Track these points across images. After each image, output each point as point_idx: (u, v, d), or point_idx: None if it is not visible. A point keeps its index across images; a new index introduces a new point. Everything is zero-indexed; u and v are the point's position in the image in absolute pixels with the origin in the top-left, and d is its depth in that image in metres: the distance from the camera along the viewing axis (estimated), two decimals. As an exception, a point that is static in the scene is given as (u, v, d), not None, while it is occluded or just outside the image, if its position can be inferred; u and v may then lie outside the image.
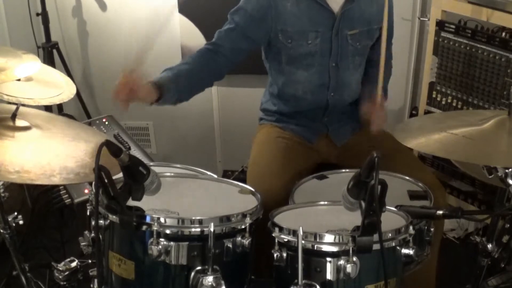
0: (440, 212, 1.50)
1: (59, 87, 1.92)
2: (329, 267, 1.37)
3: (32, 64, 1.72)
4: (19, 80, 1.76)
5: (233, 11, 2.03)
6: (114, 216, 1.38)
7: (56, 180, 1.46)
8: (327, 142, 2.17)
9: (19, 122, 1.63)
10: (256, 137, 2.23)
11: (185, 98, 1.95)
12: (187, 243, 1.38)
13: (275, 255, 1.42)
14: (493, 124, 1.61)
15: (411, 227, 1.45)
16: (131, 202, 1.36)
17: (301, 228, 1.36)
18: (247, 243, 1.43)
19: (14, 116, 1.62)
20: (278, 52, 2.07)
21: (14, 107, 1.65)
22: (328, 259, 1.37)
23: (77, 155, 1.56)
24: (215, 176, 1.77)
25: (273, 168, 1.99)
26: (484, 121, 1.63)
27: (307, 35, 2.00)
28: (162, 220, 1.37)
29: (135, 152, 2.65)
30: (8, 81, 1.65)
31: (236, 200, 1.62)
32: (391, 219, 1.48)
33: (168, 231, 1.37)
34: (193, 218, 1.39)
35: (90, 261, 1.72)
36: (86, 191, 2.42)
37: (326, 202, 1.65)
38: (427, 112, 2.65)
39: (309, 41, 2.00)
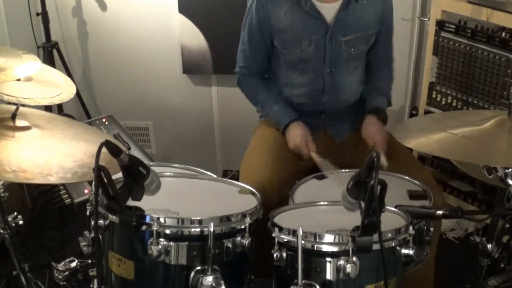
0: (440, 212, 1.50)
1: (59, 87, 1.91)
2: (329, 267, 1.37)
3: (32, 64, 1.71)
4: (19, 80, 1.75)
5: (242, 35, 2.14)
6: (114, 216, 1.39)
7: (52, 179, 1.45)
8: (326, 138, 2.18)
9: (19, 122, 1.62)
10: (255, 133, 2.25)
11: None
12: (187, 243, 1.38)
13: (275, 255, 1.42)
14: (493, 124, 1.61)
15: (411, 227, 1.45)
16: (131, 202, 1.36)
17: (301, 228, 1.36)
18: (247, 243, 1.43)
19: (14, 116, 1.62)
20: (276, 56, 2.12)
21: (14, 107, 1.65)
22: (328, 259, 1.37)
23: (75, 154, 1.56)
24: (215, 176, 1.77)
25: (267, 160, 2.01)
26: (484, 121, 1.63)
27: (300, 43, 2.04)
28: (162, 220, 1.37)
29: (135, 152, 2.65)
30: (8, 81, 1.64)
31: (236, 200, 1.62)
32: (391, 219, 1.48)
33: (168, 231, 1.37)
34: (193, 218, 1.39)
35: (90, 261, 1.71)
36: (86, 191, 2.42)
37: (326, 202, 1.66)
38: (427, 112, 2.65)
39: (302, 48, 2.04)
